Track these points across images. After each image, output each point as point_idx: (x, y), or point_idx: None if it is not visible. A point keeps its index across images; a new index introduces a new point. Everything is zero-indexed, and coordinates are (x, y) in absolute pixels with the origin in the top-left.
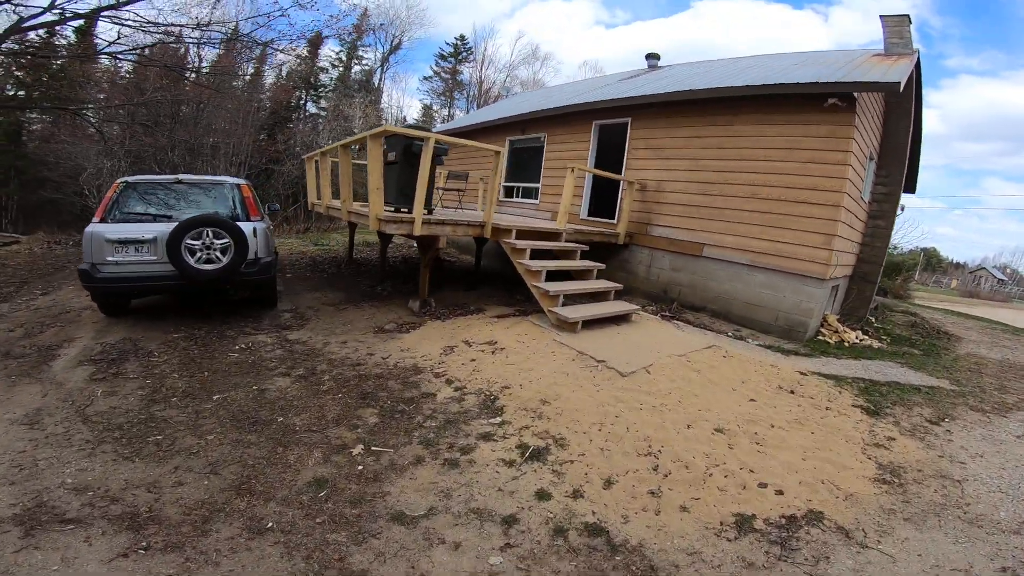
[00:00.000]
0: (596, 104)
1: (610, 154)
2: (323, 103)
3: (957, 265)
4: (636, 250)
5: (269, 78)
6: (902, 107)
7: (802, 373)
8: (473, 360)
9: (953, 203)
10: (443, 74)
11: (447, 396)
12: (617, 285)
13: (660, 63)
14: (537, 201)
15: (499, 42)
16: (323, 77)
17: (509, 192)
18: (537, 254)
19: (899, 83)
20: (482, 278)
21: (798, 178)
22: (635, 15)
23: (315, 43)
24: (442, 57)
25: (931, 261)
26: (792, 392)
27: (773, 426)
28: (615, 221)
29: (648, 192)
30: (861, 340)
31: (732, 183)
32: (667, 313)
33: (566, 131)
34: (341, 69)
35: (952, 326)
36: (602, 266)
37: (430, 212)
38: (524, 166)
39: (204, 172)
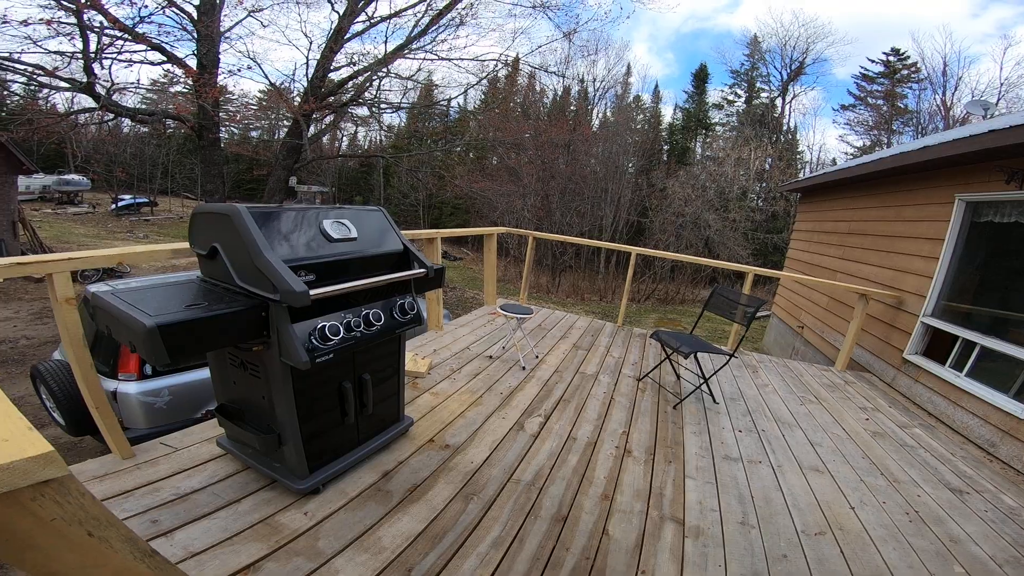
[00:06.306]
0: None
1: None
2: (720, 143)
3: None
4: None
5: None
6: None
7: None
8: None
9: None
10: (871, 99)
11: None
12: None
13: None
14: None
15: (963, 47)
16: (715, 114)
17: (935, 346)
18: None
19: None
20: None
21: None
22: None
23: (700, 77)
24: (866, 78)
25: None
26: None
27: None
28: None
29: None
30: None
31: None
32: None
33: None
34: (741, 105)
35: None
36: None
37: None
38: (1005, 274)
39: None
